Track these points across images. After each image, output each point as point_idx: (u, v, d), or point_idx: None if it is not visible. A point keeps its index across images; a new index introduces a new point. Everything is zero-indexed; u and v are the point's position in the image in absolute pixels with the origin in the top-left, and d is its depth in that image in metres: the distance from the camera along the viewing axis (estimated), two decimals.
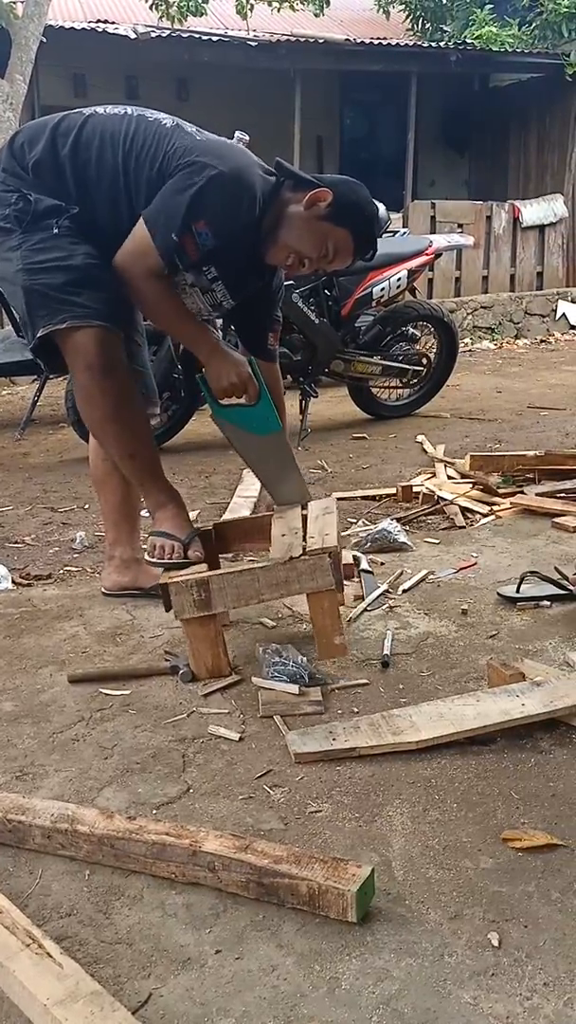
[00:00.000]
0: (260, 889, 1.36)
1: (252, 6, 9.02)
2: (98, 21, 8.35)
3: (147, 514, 2.43)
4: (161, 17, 8.75)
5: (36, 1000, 1.14)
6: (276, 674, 2.02)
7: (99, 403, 2.21)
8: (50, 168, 2.18)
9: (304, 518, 2.28)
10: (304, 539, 2.12)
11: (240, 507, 3.27)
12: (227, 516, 2.34)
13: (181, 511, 2.32)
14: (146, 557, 2.31)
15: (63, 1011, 1.12)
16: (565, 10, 8.80)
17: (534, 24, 9.23)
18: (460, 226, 8.23)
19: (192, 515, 3.24)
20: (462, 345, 6.28)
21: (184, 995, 1.22)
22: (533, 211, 9.10)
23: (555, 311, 8.97)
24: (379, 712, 1.86)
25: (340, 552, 2.10)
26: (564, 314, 8.96)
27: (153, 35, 8.10)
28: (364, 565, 2.69)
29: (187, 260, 2.15)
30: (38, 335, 2.17)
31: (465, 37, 9.33)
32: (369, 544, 2.84)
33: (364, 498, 3.49)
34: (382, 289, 4.60)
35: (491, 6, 9.41)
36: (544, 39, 9.22)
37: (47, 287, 2.13)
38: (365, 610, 2.42)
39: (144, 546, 2.41)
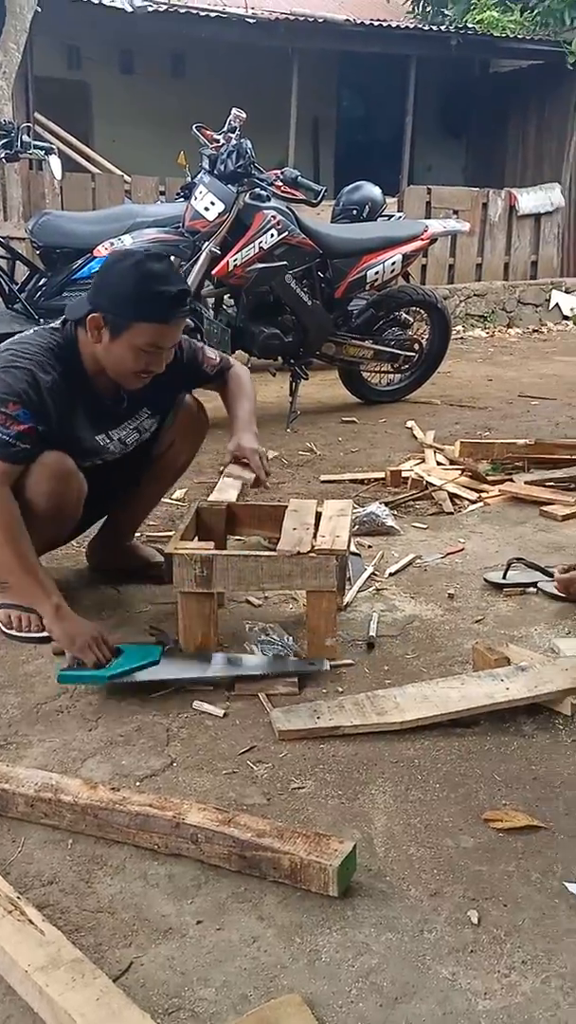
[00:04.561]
0: (242, 862, 1.37)
1: None
2: None
3: None
4: None
5: (17, 966, 1.15)
6: (264, 653, 2.02)
7: None
8: None
9: (318, 516, 2.26)
10: (315, 537, 2.11)
11: (228, 487, 3.25)
12: (214, 496, 2.32)
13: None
14: (2, 628, 2.20)
15: (44, 977, 1.12)
16: None
17: (536, 10, 9.17)
18: (456, 212, 8.18)
19: (179, 493, 3.24)
20: (454, 332, 6.25)
21: (165, 964, 1.22)
22: (530, 199, 9.06)
23: (548, 301, 8.95)
24: (364, 692, 1.87)
25: (347, 557, 2.10)
26: (557, 304, 8.95)
27: (150, 9, 7.99)
28: (352, 548, 2.69)
29: (28, 438, 2.01)
30: None
31: (467, 21, 9.27)
32: (357, 527, 2.84)
33: (352, 481, 3.49)
34: (376, 272, 4.58)
35: None
36: (546, 26, 9.16)
37: None
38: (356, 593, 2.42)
39: None
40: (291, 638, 2.11)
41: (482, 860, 1.43)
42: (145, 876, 1.38)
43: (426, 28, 9.37)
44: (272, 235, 4.12)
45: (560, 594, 2.40)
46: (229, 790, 1.59)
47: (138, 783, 1.61)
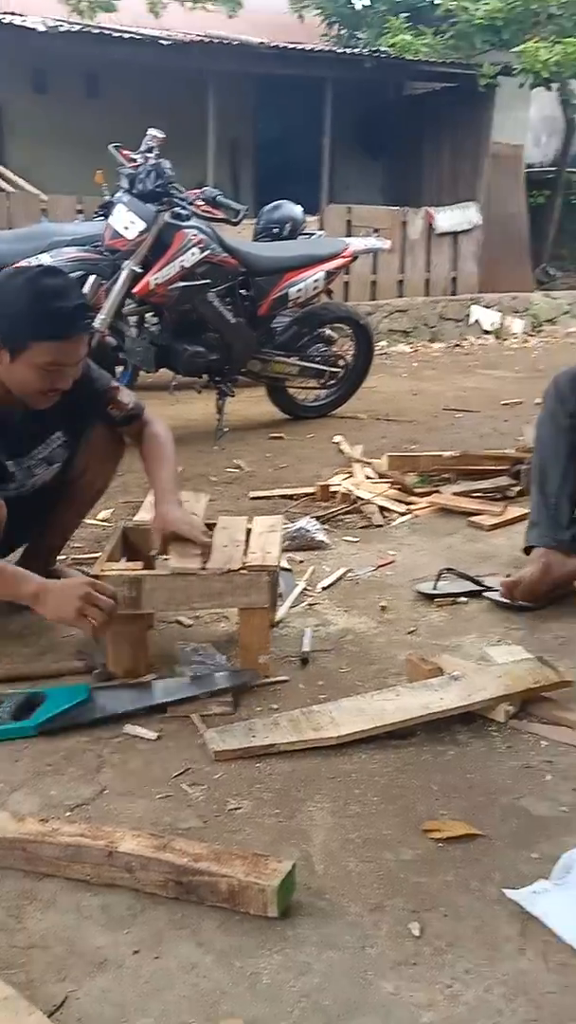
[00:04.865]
0: (179, 888, 1.33)
1: (164, 4, 8.93)
2: (5, 12, 8.15)
3: None
4: (72, 12, 8.59)
5: None
6: (196, 673, 1.99)
7: None
8: None
9: (248, 532, 2.24)
10: (245, 553, 2.09)
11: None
12: (139, 516, 2.29)
13: None
14: None
15: None
16: (479, 21, 8.96)
17: (448, 34, 9.38)
18: (376, 230, 8.28)
19: (105, 514, 3.20)
20: (378, 347, 6.33)
21: (101, 997, 1.18)
22: (447, 218, 9.26)
23: (469, 316, 9.14)
24: (299, 708, 1.85)
25: (278, 573, 2.08)
26: (478, 319, 9.14)
27: (62, 29, 7.94)
28: (283, 563, 2.68)
29: None
30: None
31: (380, 44, 9.43)
32: (288, 543, 2.83)
33: (282, 497, 3.48)
34: (299, 290, 4.61)
35: (407, 14, 9.54)
36: (458, 49, 9.38)
37: None
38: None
39: None
40: (224, 657, 2.09)
41: (422, 871, 1.43)
42: (78, 908, 1.34)
43: (340, 51, 9.50)
44: (194, 254, 4.11)
45: (505, 600, 2.42)
46: (164, 815, 1.56)
47: (68, 813, 1.57)
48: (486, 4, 8.79)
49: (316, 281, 4.68)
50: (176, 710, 1.88)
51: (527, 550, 2.54)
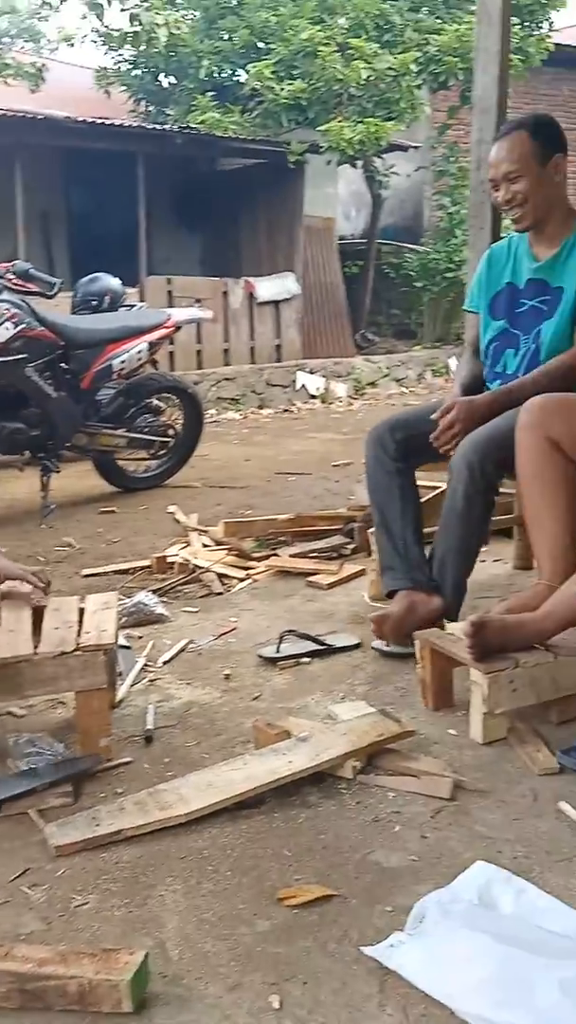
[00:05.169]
0: (24, 996, 1.25)
1: None
2: None
3: None
4: None
5: None
6: (31, 766, 1.90)
7: None
8: None
9: (81, 612, 2.18)
10: (79, 634, 2.02)
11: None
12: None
13: None
14: None
15: None
16: (284, 101, 9.38)
17: (255, 112, 9.75)
18: (198, 301, 8.45)
19: None
20: (208, 415, 6.40)
21: None
22: (267, 288, 9.55)
23: (295, 382, 9.41)
24: (145, 789, 1.80)
25: (116, 651, 2.03)
26: (303, 384, 9.42)
27: None
28: (121, 641, 2.62)
29: None
30: None
31: (189, 121, 9.70)
32: (125, 619, 2.77)
33: (117, 572, 3.41)
34: (123, 361, 4.61)
35: (213, 92, 9.88)
36: (266, 127, 9.77)
37: None
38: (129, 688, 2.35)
39: None
40: (62, 745, 2.00)
41: (279, 941, 1.40)
42: None
43: (149, 126, 9.69)
44: (8, 328, 4.06)
45: (386, 648, 2.47)
46: (3, 922, 1.46)
47: None
48: (290, 84, 9.21)
49: (139, 352, 4.70)
50: (11, 807, 1.78)
51: (390, 595, 2.54)
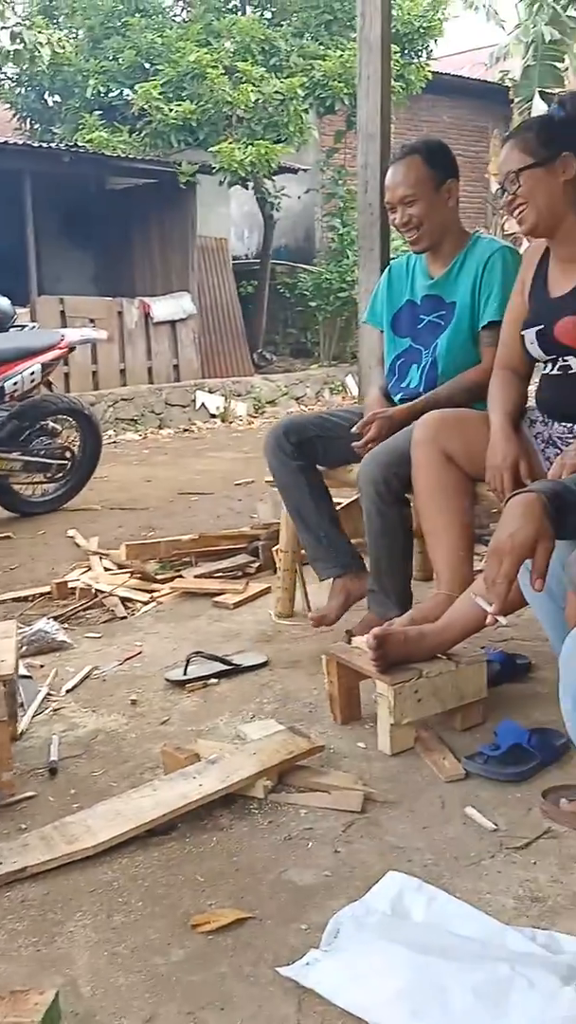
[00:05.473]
0: None
1: None
2: None
3: None
4: None
5: None
6: None
7: None
8: None
9: None
10: None
11: None
12: None
13: None
14: None
15: None
16: (173, 121, 9.37)
17: (144, 132, 9.72)
18: (92, 321, 8.35)
19: None
20: (107, 437, 6.33)
21: None
22: (162, 307, 9.51)
23: (195, 401, 9.38)
24: (50, 823, 1.76)
25: (16, 681, 1.98)
26: (203, 404, 9.40)
27: None
28: (22, 671, 2.55)
29: None
30: None
31: (76, 139, 9.61)
32: (25, 647, 2.70)
33: (15, 600, 3.33)
34: (15, 383, 4.51)
35: (100, 112, 9.81)
36: (155, 147, 9.74)
37: None
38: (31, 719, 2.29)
39: None
40: None
41: (194, 969, 1.38)
42: None
43: (36, 145, 9.55)
44: None
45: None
46: None
47: None
48: (179, 105, 9.22)
49: (32, 374, 4.61)
50: None
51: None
